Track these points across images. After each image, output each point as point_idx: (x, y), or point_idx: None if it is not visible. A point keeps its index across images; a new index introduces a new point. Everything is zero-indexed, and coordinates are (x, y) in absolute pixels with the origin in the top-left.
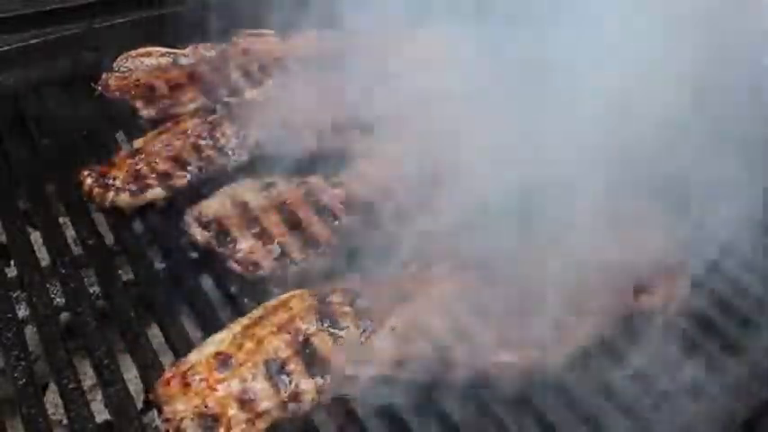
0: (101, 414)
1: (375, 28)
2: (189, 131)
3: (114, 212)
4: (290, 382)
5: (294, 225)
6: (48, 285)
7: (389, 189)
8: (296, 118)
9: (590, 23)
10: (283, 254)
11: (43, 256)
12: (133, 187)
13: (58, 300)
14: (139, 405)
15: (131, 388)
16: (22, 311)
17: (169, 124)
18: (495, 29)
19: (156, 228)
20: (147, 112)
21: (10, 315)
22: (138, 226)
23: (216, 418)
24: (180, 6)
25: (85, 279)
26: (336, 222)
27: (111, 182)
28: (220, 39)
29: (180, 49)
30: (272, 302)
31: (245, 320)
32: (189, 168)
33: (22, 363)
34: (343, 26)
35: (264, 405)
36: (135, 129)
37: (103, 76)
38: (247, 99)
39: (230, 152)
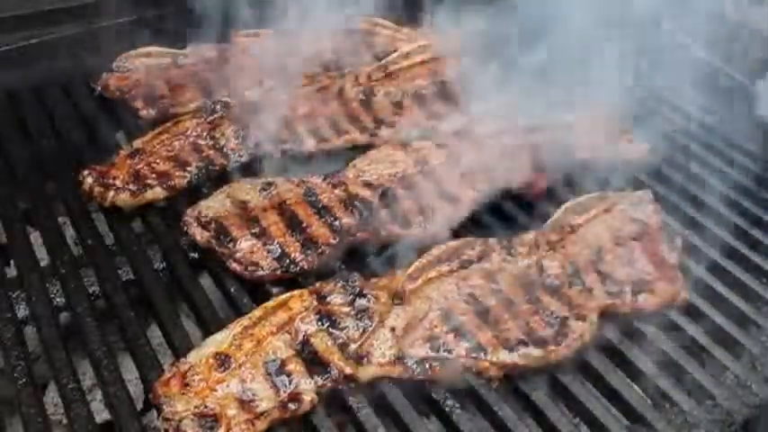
0: (101, 414)
1: None
2: (189, 131)
3: (114, 212)
4: (290, 383)
5: (294, 225)
6: (47, 285)
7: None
8: None
9: None
10: (283, 254)
11: (43, 256)
12: (133, 187)
13: (57, 300)
14: (139, 405)
15: (131, 388)
16: (22, 311)
17: (169, 124)
18: None
19: (156, 228)
20: (146, 112)
21: (10, 315)
22: (138, 226)
23: (215, 419)
24: (180, 6)
25: (85, 279)
26: (337, 222)
27: (111, 182)
28: (220, 39)
29: (180, 49)
30: (272, 302)
31: (244, 321)
32: (189, 168)
33: (22, 363)
34: None
35: (264, 405)
36: (135, 129)
37: (103, 76)
38: (247, 99)
39: (230, 152)
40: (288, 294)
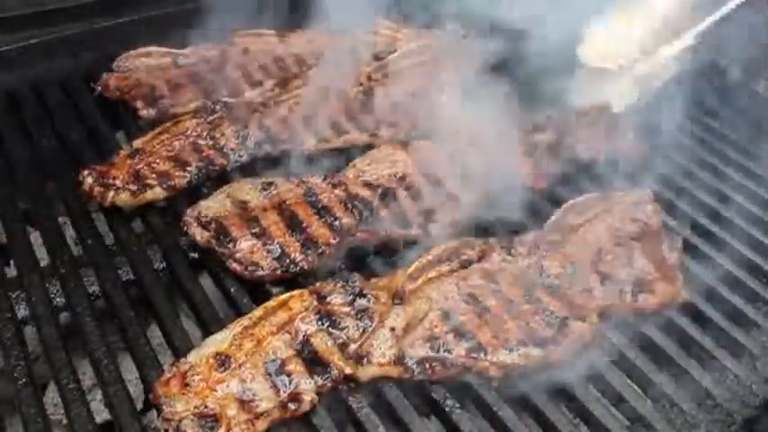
0: (101, 414)
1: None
2: (189, 131)
3: (114, 212)
4: (290, 383)
5: (294, 225)
6: (47, 285)
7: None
8: None
9: None
10: (283, 254)
11: (43, 256)
12: (133, 187)
13: (57, 300)
14: (139, 405)
15: (131, 388)
16: (22, 311)
17: (169, 124)
18: None
19: (156, 228)
20: (147, 112)
21: (10, 315)
22: (138, 226)
23: (215, 419)
24: (180, 6)
25: (85, 279)
26: (336, 222)
27: (111, 181)
28: (220, 39)
29: (180, 49)
30: (272, 302)
31: (244, 321)
32: (189, 168)
33: (22, 363)
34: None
35: (264, 405)
36: (135, 129)
37: (103, 76)
38: (247, 99)
39: (230, 152)
40: (288, 294)
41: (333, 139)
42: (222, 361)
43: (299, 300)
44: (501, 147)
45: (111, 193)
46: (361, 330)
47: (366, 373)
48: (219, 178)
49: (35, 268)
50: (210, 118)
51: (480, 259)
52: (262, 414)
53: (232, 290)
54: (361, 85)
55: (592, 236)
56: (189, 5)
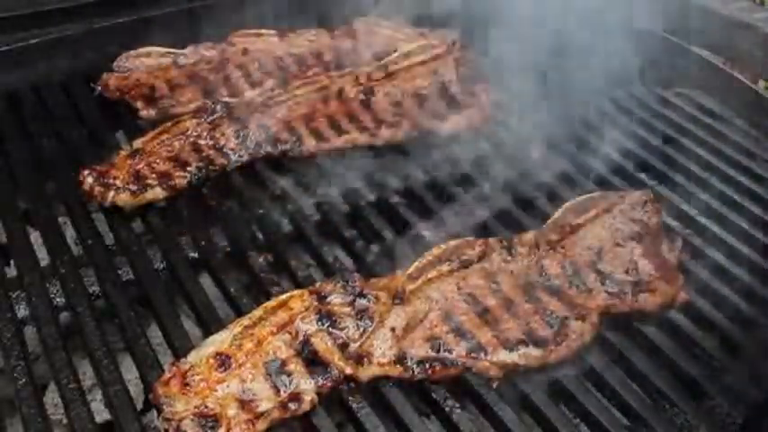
0: (101, 414)
1: None
2: (189, 131)
3: (114, 212)
4: (290, 383)
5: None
6: (47, 285)
7: None
8: None
9: None
10: None
11: (43, 256)
12: (133, 187)
13: (57, 300)
14: (139, 405)
15: (131, 388)
16: (22, 311)
17: (169, 124)
18: None
19: (156, 228)
20: (147, 112)
21: (10, 315)
22: (138, 226)
23: (216, 419)
24: (180, 6)
25: (85, 279)
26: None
27: (111, 181)
28: (220, 39)
29: (180, 50)
30: (272, 302)
31: (245, 321)
32: (189, 168)
33: (22, 363)
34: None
35: (264, 405)
36: (135, 129)
37: (103, 76)
38: (247, 99)
39: (230, 152)
40: (288, 294)
41: (333, 139)
42: (222, 361)
43: (299, 300)
44: None
45: (112, 193)
46: (361, 330)
47: (366, 373)
48: (219, 178)
49: (35, 268)
50: (210, 118)
51: (480, 259)
52: (262, 414)
53: (232, 290)
54: (361, 84)
55: (592, 236)
56: (189, 5)
